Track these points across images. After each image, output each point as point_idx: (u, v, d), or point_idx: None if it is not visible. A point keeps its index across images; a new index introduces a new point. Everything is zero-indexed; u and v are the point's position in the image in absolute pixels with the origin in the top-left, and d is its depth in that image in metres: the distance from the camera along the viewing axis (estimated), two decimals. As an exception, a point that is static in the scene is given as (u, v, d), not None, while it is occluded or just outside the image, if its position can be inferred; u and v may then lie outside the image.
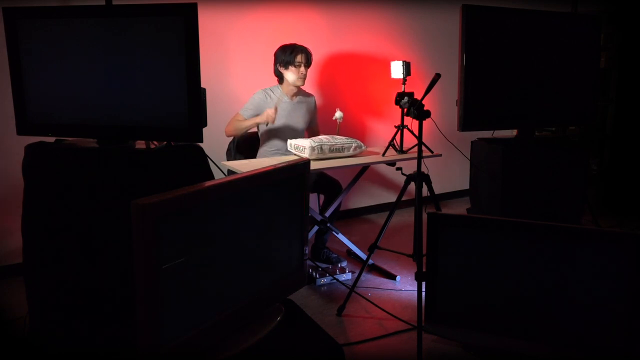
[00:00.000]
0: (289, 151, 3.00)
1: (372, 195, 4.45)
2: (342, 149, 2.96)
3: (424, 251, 2.00)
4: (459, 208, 4.49)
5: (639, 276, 1.64)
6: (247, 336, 1.56)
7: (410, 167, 2.67)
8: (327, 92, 4.01)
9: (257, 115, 3.18)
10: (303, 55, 3.15)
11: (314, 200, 3.58)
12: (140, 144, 2.14)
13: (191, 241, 1.38)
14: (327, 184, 3.32)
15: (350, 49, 4.08)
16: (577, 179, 3.21)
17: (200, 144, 2.04)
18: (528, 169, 3.02)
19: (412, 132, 2.92)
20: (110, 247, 1.90)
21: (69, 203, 1.94)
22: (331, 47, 3.97)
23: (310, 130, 3.43)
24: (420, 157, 2.49)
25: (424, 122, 2.41)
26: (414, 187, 2.57)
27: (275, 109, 3.03)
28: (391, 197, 4.44)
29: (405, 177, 2.69)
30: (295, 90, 3.23)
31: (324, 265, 3.17)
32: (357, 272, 2.86)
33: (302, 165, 1.76)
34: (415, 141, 2.49)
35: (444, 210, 3.04)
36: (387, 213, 2.87)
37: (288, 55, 3.13)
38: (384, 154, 3.09)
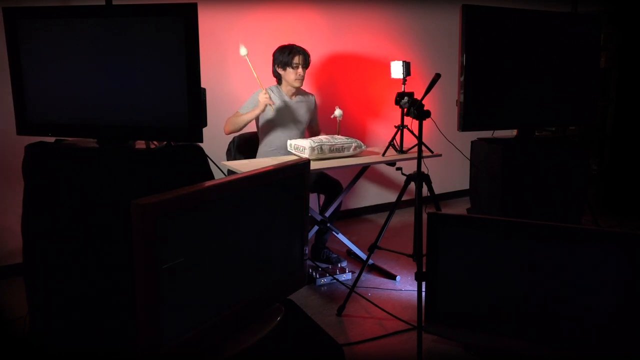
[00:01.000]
0: (289, 151, 3.00)
1: (372, 195, 4.45)
2: (342, 149, 2.96)
3: (424, 251, 2.00)
4: (459, 208, 4.49)
5: (639, 276, 1.64)
6: (247, 336, 1.56)
7: (410, 167, 2.67)
8: (327, 92, 4.01)
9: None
10: (301, 56, 3.14)
11: (314, 200, 3.58)
12: (140, 144, 2.14)
13: (191, 241, 1.38)
14: (327, 184, 3.32)
15: (350, 49, 4.08)
16: (577, 179, 3.21)
17: (200, 144, 2.04)
18: (528, 169, 3.02)
19: (412, 132, 2.92)
20: (110, 247, 1.90)
21: (69, 203, 1.94)
22: (331, 47, 3.97)
23: (311, 130, 3.43)
24: (420, 157, 2.49)
25: (424, 122, 2.41)
26: (414, 187, 2.57)
27: (266, 92, 3.00)
28: (391, 197, 4.44)
29: (405, 177, 2.69)
30: (294, 90, 3.23)
31: (324, 265, 3.17)
32: (357, 272, 2.86)
33: (302, 165, 1.76)
34: (415, 141, 2.49)
35: (444, 210, 3.04)
36: (387, 213, 2.87)
37: (286, 56, 3.12)
38: (384, 154, 3.09)
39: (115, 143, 2.06)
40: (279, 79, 3.24)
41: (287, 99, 3.22)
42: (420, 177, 2.54)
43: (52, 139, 2.12)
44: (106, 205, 1.91)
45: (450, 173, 4.63)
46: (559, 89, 3.08)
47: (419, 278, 2.24)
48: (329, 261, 3.29)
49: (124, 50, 1.94)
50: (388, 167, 3.19)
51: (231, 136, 3.31)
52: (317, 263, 3.22)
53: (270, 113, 3.12)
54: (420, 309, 2.20)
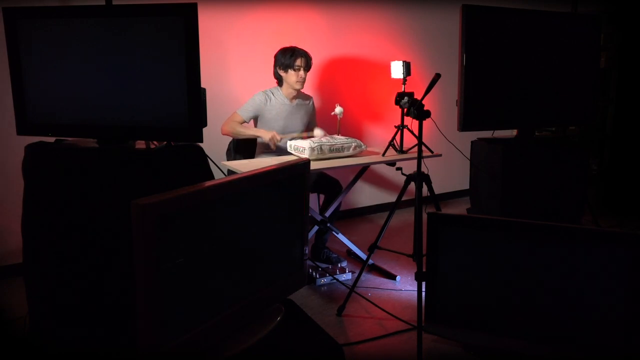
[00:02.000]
0: (289, 152, 3.01)
1: (372, 195, 4.45)
2: (342, 149, 2.96)
3: (424, 251, 2.00)
4: (459, 208, 4.49)
5: (639, 276, 1.64)
6: (247, 336, 1.56)
7: (410, 167, 2.67)
8: (327, 92, 4.01)
9: (255, 116, 3.18)
10: (303, 59, 3.15)
11: (314, 200, 3.58)
12: (140, 144, 2.14)
13: (191, 241, 1.38)
14: (327, 184, 3.32)
15: (350, 49, 4.08)
16: (577, 179, 3.21)
17: (200, 144, 2.04)
18: (528, 169, 3.02)
19: (412, 132, 2.92)
20: (110, 247, 1.90)
21: (69, 203, 1.94)
22: (331, 47, 3.97)
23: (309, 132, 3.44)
24: (420, 157, 2.49)
25: (424, 122, 2.41)
26: (414, 187, 2.57)
27: (281, 138, 3.06)
28: (391, 197, 4.44)
29: (405, 177, 2.69)
30: (294, 93, 3.23)
31: (324, 265, 3.17)
32: (357, 272, 2.86)
33: (302, 165, 1.76)
34: (415, 141, 2.49)
35: (444, 210, 3.04)
36: (387, 213, 2.87)
37: (288, 58, 3.12)
38: (384, 154, 3.09)
39: (115, 143, 2.06)
40: (279, 80, 3.24)
41: (286, 101, 3.22)
42: (420, 177, 2.54)
43: (52, 139, 2.12)
44: (106, 205, 1.91)
45: (450, 173, 4.63)
46: (559, 89, 3.08)
47: (419, 278, 2.24)
48: (329, 261, 3.29)
49: (124, 50, 1.94)
50: (388, 167, 3.18)
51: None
52: (317, 263, 3.22)
53: (266, 123, 3.13)
54: (420, 309, 2.20)
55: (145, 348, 1.27)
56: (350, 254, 3.47)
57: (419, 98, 2.45)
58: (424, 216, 2.01)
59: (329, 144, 2.91)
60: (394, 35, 4.27)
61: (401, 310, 2.69)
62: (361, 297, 2.82)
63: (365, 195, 4.41)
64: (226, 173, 2.79)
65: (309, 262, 2.91)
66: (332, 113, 3.24)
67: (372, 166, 3.57)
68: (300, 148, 2.89)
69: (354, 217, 4.32)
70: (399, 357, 2.31)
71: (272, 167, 1.65)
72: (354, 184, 3.33)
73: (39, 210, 1.97)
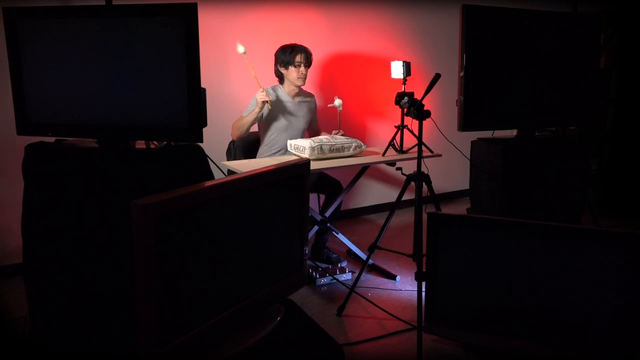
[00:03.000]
0: (289, 151, 3.01)
1: (372, 195, 4.45)
2: (342, 149, 2.96)
3: (424, 251, 2.00)
4: (459, 208, 4.49)
5: (639, 276, 1.64)
6: (247, 336, 1.56)
7: (410, 167, 2.67)
8: (327, 92, 4.01)
9: (260, 115, 3.18)
10: (303, 55, 3.15)
11: (314, 200, 3.58)
12: (140, 144, 2.14)
13: (191, 241, 1.38)
14: (327, 184, 3.32)
15: (351, 49, 4.09)
16: (577, 179, 3.21)
17: (200, 144, 2.04)
18: (528, 169, 3.02)
19: (412, 132, 2.92)
20: (110, 247, 1.90)
21: (69, 203, 1.94)
22: (331, 47, 3.97)
23: (311, 130, 3.44)
24: (420, 157, 2.49)
25: (424, 122, 2.41)
26: (414, 187, 2.57)
27: (263, 90, 2.99)
28: (391, 197, 4.44)
29: (405, 177, 2.69)
30: (296, 90, 3.23)
31: (324, 265, 3.17)
32: (357, 272, 2.86)
33: (302, 165, 1.76)
34: (415, 141, 2.49)
35: (444, 210, 3.04)
36: (387, 213, 2.87)
37: (288, 55, 3.13)
38: (384, 154, 3.09)
39: (115, 143, 2.06)
40: (281, 78, 3.24)
41: (288, 99, 3.22)
42: (420, 177, 2.54)
43: (52, 139, 2.12)
44: (106, 205, 1.91)
45: (450, 173, 4.63)
46: (559, 89, 3.08)
47: (419, 278, 2.24)
48: (329, 261, 3.29)
49: (124, 50, 1.94)
50: (388, 167, 3.19)
51: (231, 136, 3.30)
52: (317, 263, 3.22)
53: (266, 110, 3.11)
54: (420, 309, 2.20)
55: (145, 348, 1.27)
56: (350, 254, 3.47)
57: (419, 98, 2.45)
58: (424, 216, 2.01)
59: (329, 143, 2.91)
60: (394, 35, 4.27)
61: (401, 310, 2.69)
62: (361, 297, 2.82)
63: (365, 195, 4.41)
64: (226, 173, 2.79)
65: (309, 262, 2.91)
66: (330, 105, 3.23)
67: (372, 166, 3.57)
68: (300, 147, 2.89)
69: (354, 217, 4.32)
70: (399, 357, 2.31)
71: (272, 167, 1.65)
72: (354, 184, 3.33)
73: (39, 210, 1.97)
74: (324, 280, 3.00)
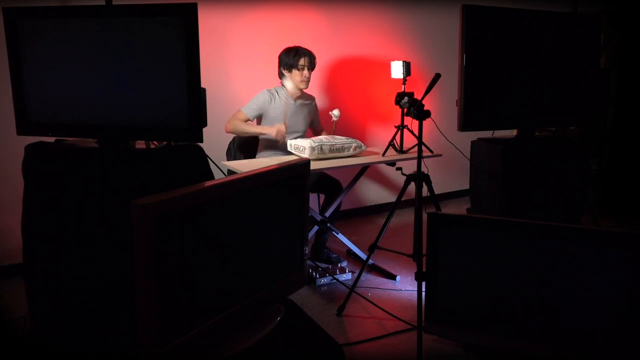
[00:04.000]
0: (289, 151, 3.01)
1: (372, 195, 4.45)
2: (342, 149, 2.96)
3: (424, 251, 1.99)
4: (459, 208, 4.49)
5: (639, 276, 1.64)
6: (247, 336, 1.56)
7: (410, 167, 2.67)
8: (327, 92, 4.01)
9: (260, 115, 3.18)
10: (307, 58, 3.14)
11: (314, 200, 3.58)
12: (140, 144, 2.14)
13: (191, 241, 1.38)
14: (327, 184, 3.32)
15: (351, 49, 4.09)
16: (577, 179, 3.21)
17: (200, 144, 2.04)
18: (528, 169, 3.02)
19: (412, 132, 2.92)
20: (110, 247, 1.90)
21: (69, 203, 1.94)
22: (331, 47, 3.97)
23: (314, 131, 3.44)
24: (420, 157, 2.49)
25: (424, 122, 2.41)
26: (414, 187, 2.57)
27: (286, 127, 3.05)
28: (391, 197, 4.44)
29: (405, 177, 2.69)
30: (298, 93, 3.23)
31: (324, 265, 3.17)
32: (357, 272, 2.86)
33: (302, 165, 1.76)
34: (415, 141, 2.49)
35: (444, 210, 3.04)
36: (387, 213, 2.87)
37: (292, 58, 3.12)
38: (384, 154, 3.09)
39: (115, 143, 2.06)
40: (284, 80, 3.23)
41: (290, 101, 3.22)
42: (420, 177, 2.54)
43: (52, 139, 2.12)
44: (106, 205, 1.91)
45: (450, 173, 4.63)
46: (559, 89, 3.08)
47: (419, 278, 2.24)
48: (329, 261, 3.29)
49: (124, 50, 1.94)
50: (388, 167, 3.18)
51: (231, 136, 3.31)
52: (317, 263, 3.22)
53: (270, 121, 3.14)
54: (420, 309, 2.20)
55: (145, 348, 1.27)
56: (350, 254, 3.47)
57: (419, 98, 2.45)
58: (424, 216, 2.01)
59: (329, 143, 2.91)
60: (394, 35, 4.27)
61: (401, 310, 2.69)
62: (361, 297, 2.82)
63: (365, 195, 4.41)
64: (226, 173, 2.79)
65: (309, 262, 2.91)
66: (329, 112, 3.24)
67: (372, 166, 3.57)
68: (300, 147, 2.89)
69: (354, 217, 4.32)
70: (399, 357, 2.31)
71: (272, 167, 1.65)
72: (354, 184, 3.33)
73: (39, 210, 1.97)
74: (324, 280, 3.00)
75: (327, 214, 3.24)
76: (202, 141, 1.98)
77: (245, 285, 1.58)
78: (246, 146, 3.31)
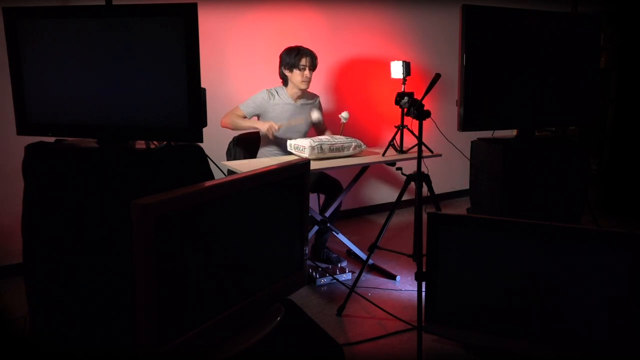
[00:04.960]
0: (289, 151, 3.01)
1: (372, 195, 4.45)
2: (342, 149, 2.96)
3: (424, 251, 1.99)
4: (459, 208, 4.49)
5: (639, 276, 1.64)
6: (247, 336, 1.56)
7: (410, 167, 2.67)
8: (327, 92, 4.01)
9: (257, 114, 3.18)
10: (308, 58, 3.14)
11: (314, 200, 3.58)
12: (140, 144, 2.14)
13: (191, 241, 1.38)
14: (327, 184, 3.32)
15: (351, 49, 4.09)
16: (577, 179, 3.21)
17: (200, 144, 2.04)
18: (528, 169, 3.02)
19: (412, 132, 2.92)
20: (110, 247, 1.90)
21: (69, 203, 1.94)
22: (331, 47, 3.97)
23: (318, 131, 3.43)
24: (420, 157, 2.49)
25: (424, 122, 2.41)
26: (414, 187, 2.57)
27: (279, 127, 3.05)
28: (391, 197, 4.44)
29: (405, 177, 2.69)
30: (299, 92, 3.22)
31: (324, 265, 3.17)
32: (357, 272, 2.86)
33: (302, 165, 1.76)
34: (415, 141, 2.49)
35: (444, 210, 3.04)
36: (387, 213, 2.87)
37: (293, 58, 3.12)
38: (384, 154, 3.09)
39: (115, 143, 2.06)
40: (284, 80, 3.23)
41: (290, 101, 3.22)
42: (420, 177, 2.54)
43: (52, 139, 2.12)
44: (106, 205, 1.91)
45: (450, 173, 4.63)
46: (559, 89, 3.08)
47: (419, 278, 2.24)
48: (329, 261, 3.29)
49: (124, 50, 1.94)
50: (388, 167, 3.18)
51: (231, 136, 3.31)
52: (317, 263, 3.22)
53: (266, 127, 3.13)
54: (420, 309, 2.20)
55: (145, 348, 1.27)
56: (350, 254, 3.47)
57: (419, 98, 2.45)
58: (424, 216, 2.01)
59: (329, 143, 2.91)
60: (394, 35, 4.27)
61: (401, 310, 2.69)
62: (361, 297, 2.82)
63: (365, 195, 4.41)
64: (226, 173, 2.79)
65: (309, 262, 2.91)
66: (339, 115, 3.23)
67: (372, 166, 3.57)
68: (300, 147, 2.89)
69: (354, 217, 4.32)
70: (399, 357, 2.31)
71: (272, 167, 1.65)
72: (354, 184, 3.33)
73: (39, 210, 1.97)
74: (324, 280, 3.00)
75: (327, 214, 3.24)
76: (202, 141, 1.98)
77: (245, 285, 1.58)
78: (246, 146, 3.30)
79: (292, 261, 1.78)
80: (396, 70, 3.23)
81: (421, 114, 2.37)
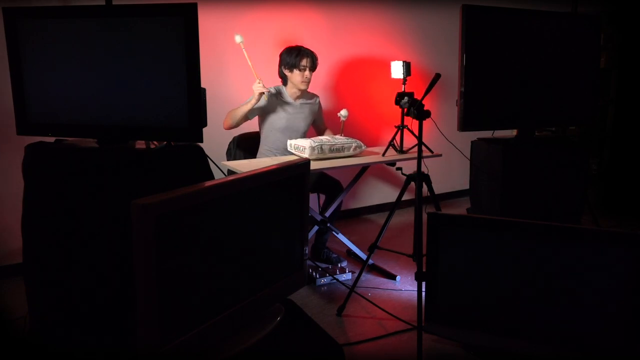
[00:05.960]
0: (289, 151, 3.00)
1: (372, 195, 4.45)
2: (342, 149, 2.96)
3: (424, 251, 2.00)
4: (459, 208, 4.49)
5: (639, 276, 1.64)
6: (247, 336, 1.56)
7: (410, 167, 2.67)
8: (327, 92, 4.01)
9: (257, 114, 3.18)
10: (309, 59, 3.14)
11: (314, 200, 3.58)
12: (140, 144, 2.14)
13: (191, 241, 1.38)
14: (327, 184, 3.32)
15: (350, 49, 4.08)
16: (577, 179, 3.21)
17: (200, 144, 2.04)
18: (528, 169, 3.02)
19: (412, 132, 2.92)
20: (110, 247, 1.90)
21: (69, 203, 1.94)
22: (331, 47, 3.97)
23: (318, 130, 3.43)
24: (420, 157, 2.49)
25: (424, 122, 2.41)
26: (414, 187, 2.57)
27: (260, 81, 2.98)
28: (391, 197, 4.44)
29: (405, 177, 2.69)
30: (299, 92, 3.22)
31: (324, 265, 3.17)
32: (357, 272, 2.86)
33: (302, 165, 1.76)
34: (415, 141, 2.49)
35: (444, 210, 3.04)
36: (387, 213, 2.87)
37: (293, 58, 3.12)
38: (384, 154, 3.09)
39: (115, 143, 2.06)
40: (284, 80, 3.23)
41: (290, 100, 3.22)
42: (420, 177, 2.54)
43: (52, 139, 2.12)
44: (106, 205, 1.91)
45: (450, 173, 4.63)
46: (559, 89, 3.08)
47: (419, 278, 2.24)
48: (329, 261, 3.29)
49: (124, 50, 1.94)
50: (388, 167, 3.18)
51: (231, 136, 3.31)
52: (317, 263, 3.22)
53: (263, 102, 3.09)
54: (420, 309, 2.20)
55: (145, 348, 1.27)
56: (350, 254, 3.47)
57: (419, 98, 2.45)
58: (424, 216, 2.01)
59: (329, 143, 2.91)
60: (394, 35, 4.27)
61: (401, 310, 2.69)
62: (361, 297, 2.82)
63: (365, 195, 4.41)
64: (226, 173, 2.79)
65: (309, 262, 2.91)
66: (338, 114, 3.24)
67: (372, 166, 3.57)
68: (300, 147, 2.89)
69: (354, 217, 4.32)
70: (399, 357, 2.31)
71: (272, 167, 1.65)
72: (354, 184, 3.33)
73: (39, 210, 1.97)
74: (324, 280, 3.00)
75: (327, 214, 3.24)
76: (202, 141, 1.98)
77: (245, 285, 1.58)
78: (246, 146, 3.30)
79: (292, 261, 1.78)
80: (396, 70, 3.23)
81: (421, 114, 2.37)
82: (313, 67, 3.17)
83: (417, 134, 2.44)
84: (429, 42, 4.43)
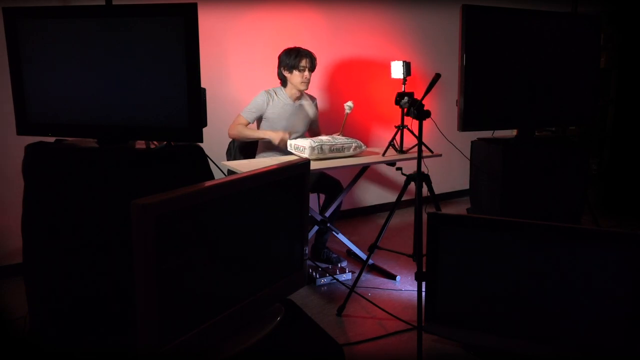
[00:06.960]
0: (289, 151, 3.01)
1: (372, 195, 4.45)
2: (342, 149, 2.96)
3: (424, 251, 2.00)
4: (459, 208, 4.49)
5: (639, 276, 1.64)
6: (247, 336, 1.56)
7: (410, 167, 2.67)
8: (327, 92, 4.01)
9: (259, 116, 3.19)
10: (308, 59, 3.14)
11: (314, 200, 3.58)
12: (140, 144, 2.14)
13: (191, 241, 1.38)
14: (328, 184, 3.32)
15: (350, 49, 4.08)
16: (577, 179, 3.21)
17: (200, 144, 2.04)
18: (528, 169, 3.02)
19: (412, 132, 2.92)
20: (110, 247, 1.90)
21: (69, 203, 1.94)
22: (331, 47, 3.97)
23: (312, 132, 3.44)
24: (420, 157, 2.49)
25: (424, 122, 2.41)
26: (414, 187, 2.57)
27: (289, 135, 3.06)
28: (391, 197, 4.44)
29: (405, 177, 2.69)
30: (298, 93, 3.22)
31: (324, 265, 3.17)
32: (357, 272, 2.86)
33: (302, 165, 1.76)
34: (415, 141, 2.49)
35: (444, 210, 3.04)
36: (387, 213, 2.87)
37: (293, 59, 3.12)
38: (384, 154, 3.09)
39: (115, 143, 2.06)
40: (283, 81, 3.23)
41: (289, 102, 3.22)
42: (420, 177, 2.54)
43: (52, 139, 2.12)
44: (106, 205, 1.91)
45: (450, 173, 4.63)
46: (559, 89, 3.08)
47: (419, 278, 2.24)
48: (329, 261, 3.29)
49: (124, 50, 1.94)
50: (388, 167, 3.18)
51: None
52: (317, 263, 3.22)
53: (263, 106, 3.14)
54: (420, 309, 2.19)
55: (145, 348, 1.27)
56: (350, 254, 3.47)
57: (419, 98, 2.45)
58: (424, 216, 2.01)
59: (329, 143, 2.91)
60: (394, 35, 4.27)
61: (401, 310, 2.69)
62: (361, 297, 2.82)
63: (365, 195, 4.41)
64: (226, 173, 2.79)
65: (309, 262, 2.91)
66: (344, 105, 3.20)
67: (372, 166, 3.57)
68: (300, 147, 2.89)
69: (354, 217, 4.32)
70: (399, 357, 2.31)
71: (272, 167, 1.65)
72: (354, 184, 3.33)
73: (39, 210, 1.97)
74: (324, 280, 3.00)
75: (327, 214, 3.24)
76: (202, 141, 1.98)
77: (245, 285, 1.58)
78: (246, 146, 3.31)
79: (292, 261, 1.78)
80: (396, 70, 3.23)
81: (421, 114, 2.37)
82: (312, 68, 3.18)
83: (417, 134, 2.44)
84: (429, 42, 4.43)
